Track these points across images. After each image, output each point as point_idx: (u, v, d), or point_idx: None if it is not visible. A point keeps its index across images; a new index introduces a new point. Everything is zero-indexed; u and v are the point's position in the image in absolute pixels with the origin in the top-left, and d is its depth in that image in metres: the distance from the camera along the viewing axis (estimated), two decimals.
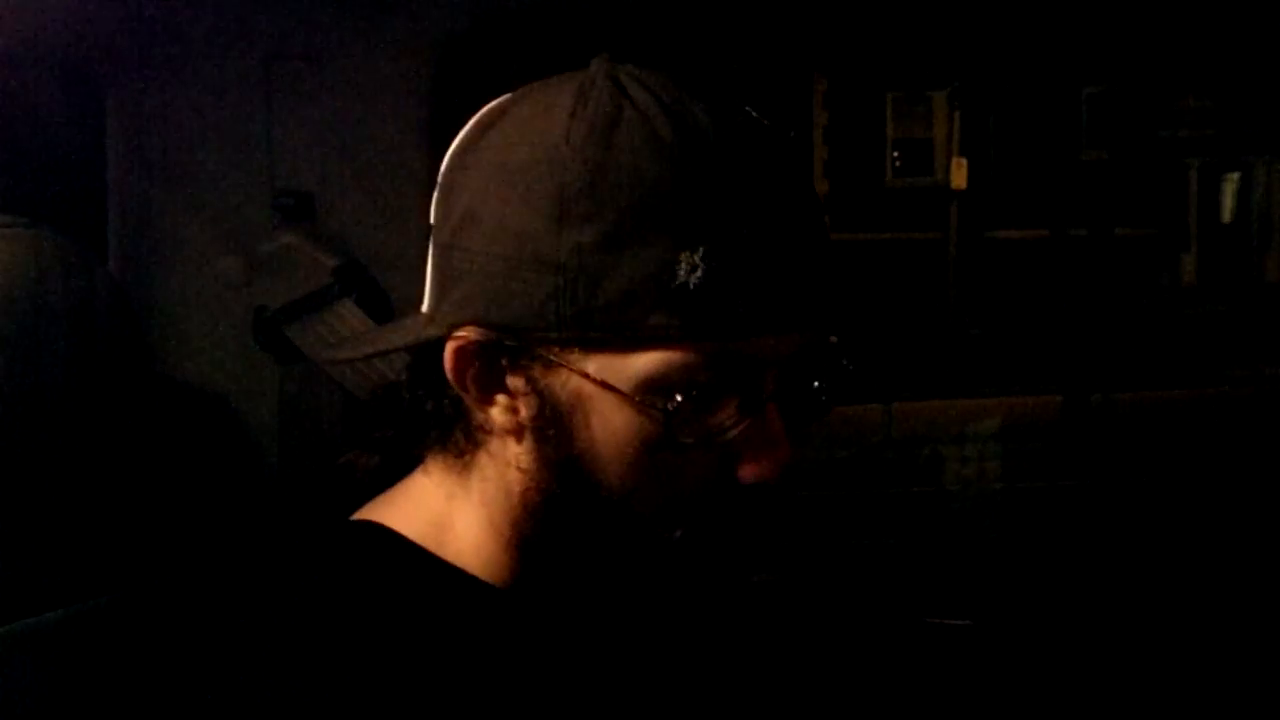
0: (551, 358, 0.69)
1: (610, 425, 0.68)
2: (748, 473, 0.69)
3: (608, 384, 0.67)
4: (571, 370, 0.68)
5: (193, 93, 1.18)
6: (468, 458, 0.74)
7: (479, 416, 0.73)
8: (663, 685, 0.77)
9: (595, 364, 0.68)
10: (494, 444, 0.73)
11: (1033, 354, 12.47)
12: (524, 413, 0.71)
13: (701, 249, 0.65)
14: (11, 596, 0.85)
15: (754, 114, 0.72)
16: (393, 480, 0.79)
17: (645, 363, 0.67)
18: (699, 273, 0.65)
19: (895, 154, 18.15)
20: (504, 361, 0.70)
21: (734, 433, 0.69)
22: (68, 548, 0.92)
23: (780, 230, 0.68)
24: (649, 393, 0.67)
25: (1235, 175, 17.53)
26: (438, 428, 0.75)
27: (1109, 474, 8.16)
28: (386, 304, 1.18)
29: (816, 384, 0.73)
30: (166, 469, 1.07)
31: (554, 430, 0.70)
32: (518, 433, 0.72)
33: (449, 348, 0.71)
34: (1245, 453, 8.17)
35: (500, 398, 0.72)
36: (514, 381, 0.71)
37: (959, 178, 15.76)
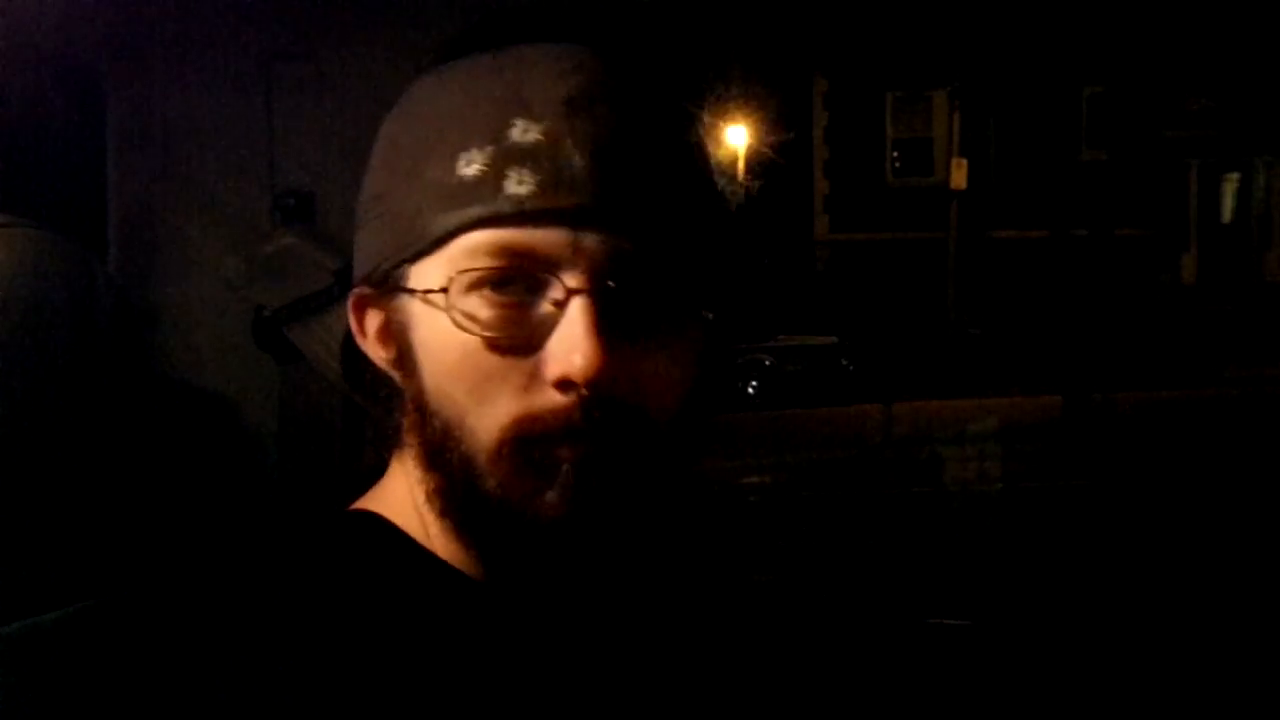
0: (393, 285, 0.72)
1: (430, 335, 0.70)
2: (551, 369, 0.68)
3: (416, 290, 0.70)
4: (402, 290, 0.71)
5: (193, 93, 1.18)
6: (403, 431, 0.75)
7: (395, 380, 0.74)
8: (657, 685, 0.76)
9: (413, 277, 0.71)
10: (406, 403, 0.74)
11: (1033, 354, 12.48)
12: (393, 354, 0.73)
13: (478, 146, 0.68)
14: (11, 596, 0.85)
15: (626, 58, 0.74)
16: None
17: (441, 262, 0.69)
18: (474, 167, 0.68)
19: (895, 154, 18.23)
20: (380, 304, 0.74)
21: (533, 323, 0.68)
22: (68, 548, 0.92)
23: (563, 129, 0.68)
24: (444, 289, 0.68)
25: (1235, 175, 17.58)
26: (384, 407, 0.76)
27: (1109, 474, 8.16)
28: None
29: (658, 292, 0.70)
30: (166, 469, 1.07)
31: (405, 360, 0.72)
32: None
33: (349, 306, 0.75)
34: (1245, 453, 8.18)
35: (389, 349, 0.74)
36: (391, 324, 0.73)
37: (959, 178, 15.81)
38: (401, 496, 0.75)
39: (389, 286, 0.72)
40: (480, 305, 0.68)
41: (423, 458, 0.72)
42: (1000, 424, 9.96)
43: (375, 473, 0.79)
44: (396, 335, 0.73)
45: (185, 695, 0.67)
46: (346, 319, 0.77)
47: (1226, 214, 17.79)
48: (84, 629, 0.81)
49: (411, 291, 0.71)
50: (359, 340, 0.75)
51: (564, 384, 0.67)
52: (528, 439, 0.68)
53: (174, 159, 1.19)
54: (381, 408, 0.75)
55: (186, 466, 1.12)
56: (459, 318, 0.68)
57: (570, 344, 0.67)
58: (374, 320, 0.74)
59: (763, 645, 0.84)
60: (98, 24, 1.14)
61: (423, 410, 0.71)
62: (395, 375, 0.73)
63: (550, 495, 0.68)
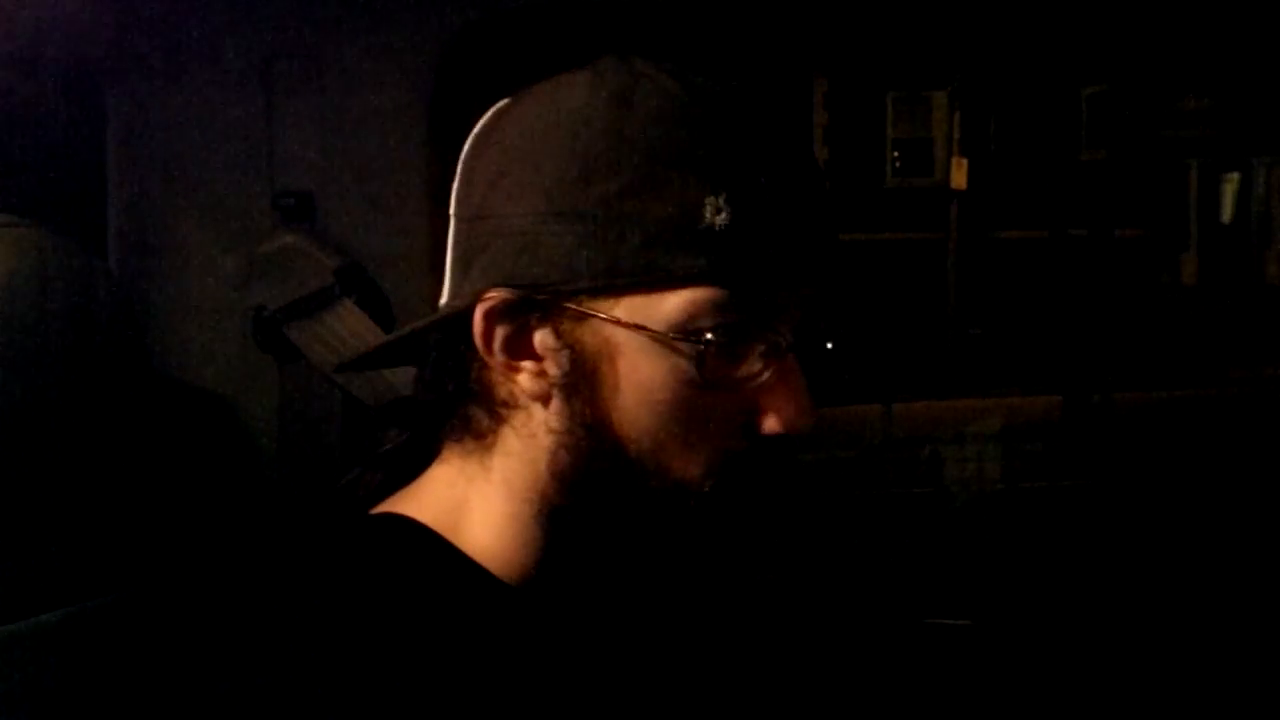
0: (582, 309, 0.70)
1: (640, 370, 0.70)
2: (772, 423, 0.71)
3: (640, 325, 0.69)
4: (603, 318, 0.70)
5: (193, 93, 1.17)
6: (490, 438, 0.75)
7: (503, 390, 0.73)
8: (661, 684, 0.77)
9: (625, 309, 0.70)
10: (519, 417, 0.73)
11: (1033, 354, 12.47)
12: (553, 371, 0.72)
13: (725, 194, 0.68)
14: (11, 596, 0.85)
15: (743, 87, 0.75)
16: (408, 478, 0.79)
17: (675, 304, 0.69)
18: (724, 215, 0.68)
19: (895, 154, 18.22)
20: (534, 319, 0.72)
21: (762, 377, 0.70)
22: (68, 548, 0.92)
23: (795, 182, 0.71)
24: (679, 333, 0.69)
25: (1235, 175, 17.57)
26: (458, 412, 0.75)
27: (1109, 474, 8.16)
28: (386, 305, 1.18)
29: (828, 341, 0.74)
30: (166, 469, 1.07)
31: (584, 383, 0.71)
32: (545, 397, 0.72)
33: (478, 311, 0.72)
34: (1245, 453, 8.18)
35: (528, 362, 0.73)
36: (544, 339, 0.72)
37: (959, 178, 15.79)
38: (442, 498, 0.75)
39: (574, 306, 0.70)
40: (714, 354, 0.69)
41: (576, 473, 0.72)
42: (1000, 424, 9.95)
43: (396, 454, 0.79)
44: (577, 354, 0.71)
45: (198, 695, 0.67)
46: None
47: (1226, 214, 17.77)
48: (85, 629, 0.81)
49: (624, 323, 0.69)
50: (480, 342, 0.73)
51: (774, 434, 0.71)
52: (725, 471, 0.72)
53: (174, 159, 1.19)
54: (468, 403, 0.75)
55: (186, 466, 1.12)
56: (711, 373, 0.69)
57: (793, 402, 0.71)
58: (506, 331, 0.72)
59: (764, 645, 0.84)
60: (98, 24, 1.14)
61: (600, 433, 0.71)
62: (537, 387, 0.72)
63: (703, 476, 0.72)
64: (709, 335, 0.68)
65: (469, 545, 0.74)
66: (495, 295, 0.71)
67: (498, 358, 0.73)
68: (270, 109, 1.18)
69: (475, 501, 0.74)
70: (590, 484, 0.71)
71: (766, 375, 0.70)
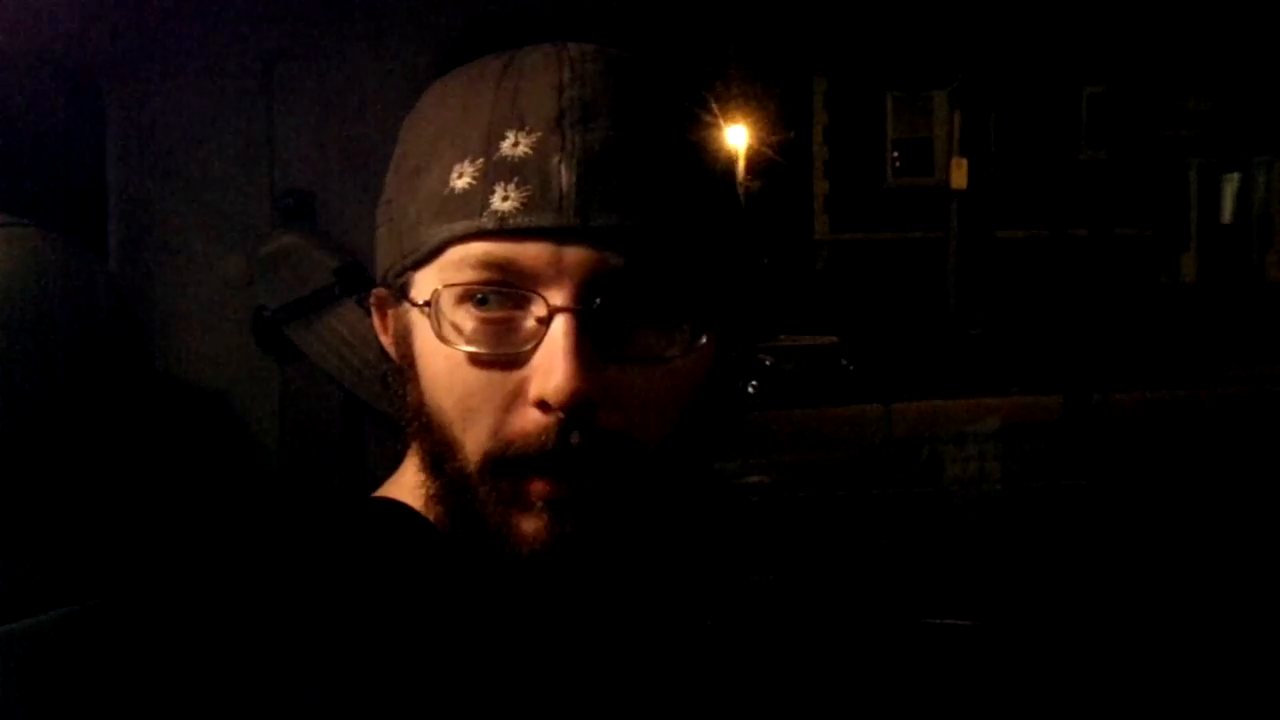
0: (392, 293, 0.75)
1: (424, 346, 0.71)
2: (532, 389, 0.67)
3: (413, 300, 0.71)
4: (404, 298, 0.73)
5: (193, 93, 1.17)
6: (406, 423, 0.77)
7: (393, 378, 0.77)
8: (660, 683, 0.77)
9: (414, 286, 0.72)
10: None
11: (1033, 354, 12.48)
12: (394, 359, 0.76)
13: (474, 159, 0.69)
14: (11, 596, 0.85)
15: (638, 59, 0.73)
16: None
17: (434, 273, 0.70)
18: (464, 179, 0.68)
19: (895, 154, 18.23)
20: (391, 309, 0.76)
21: (510, 341, 0.68)
22: (68, 548, 0.92)
23: (559, 148, 0.67)
24: (430, 303, 0.70)
25: (1235, 175, 17.57)
26: (401, 405, 0.76)
27: (1109, 474, 8.17)
28: None
29: (655, 311, 0.69)
30: (166, 469, 1.07)
31: (407, 367, 0.74)
32: (399, 385, 0.76)
33: (372, 304, 0.78)
34: (1245, 453, 8.18)
35: (398, 350, 0.76)
36: (398, 328, 0.76)
37: (959, 178, 15.80)
38: (417, 485, 0.75)
39: (395, 292, 0.74)
40: (465, 319, 0.68)
41: (425, 463, 0.73)
42: (1000, 424, 9.96)
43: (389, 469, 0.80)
44: (400, 340, 0.74)
45: (202, 685, 0.67)
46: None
47: (1226, 214, 17.79)
48: (85, 629, 0.82)
49: (411, 301, 0.72)
50: (381, 337, 0.78)
51: (542, 404, 0.67)
52: (503, 461, 0.68)
53: (174, 159, 1.19)
54: (398, 401, 0.76)
55: (186, 466, 1.12)
56: (446, 330, 0.68)
57: (549, 364, 0.66)
58: (388, 321, 0.77)
59: (763, 644, 0.84)
60: (98, 24, 1.14)
61: (422, 420, 0.72)
62: (403, 377, 0.75)
63: (528, 526, 0.68)
64: (445, 299, 0.68)
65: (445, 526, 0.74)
66: (374, 293, 0.78)
67: (392, 348, 0.77)
68: (270, 109, 1.18)
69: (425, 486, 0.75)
70: (435, 470, 0.71)
71: (525, 339, 0.67)
